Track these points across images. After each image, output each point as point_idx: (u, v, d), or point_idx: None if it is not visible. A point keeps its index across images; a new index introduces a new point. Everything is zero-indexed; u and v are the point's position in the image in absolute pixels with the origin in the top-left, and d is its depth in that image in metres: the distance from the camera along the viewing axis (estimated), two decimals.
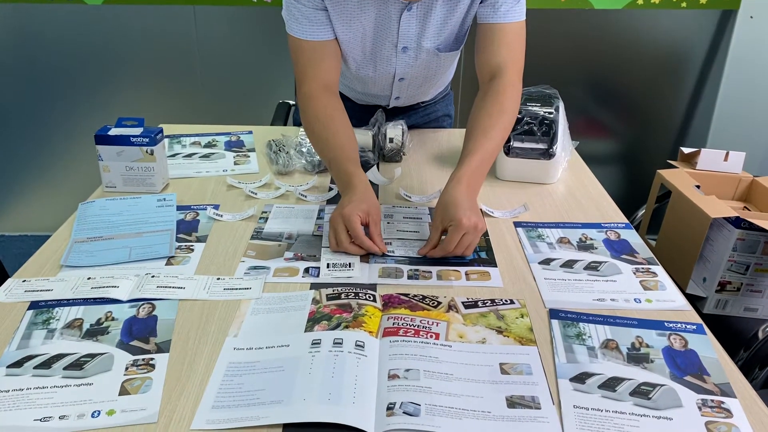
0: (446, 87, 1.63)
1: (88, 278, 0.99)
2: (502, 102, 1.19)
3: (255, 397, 0.75)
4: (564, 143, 1.33)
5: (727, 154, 1.66)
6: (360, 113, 1.52)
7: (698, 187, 1.55)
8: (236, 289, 0.97)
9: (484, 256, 1.07)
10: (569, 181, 1.38)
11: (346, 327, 0.86)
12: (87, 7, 2.43)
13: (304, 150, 1.39)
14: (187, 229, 1.14)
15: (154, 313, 0.91)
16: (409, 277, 1.01)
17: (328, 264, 1.03)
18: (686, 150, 1.75)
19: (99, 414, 0.73)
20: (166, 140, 1.44)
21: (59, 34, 2.49)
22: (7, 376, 0.78)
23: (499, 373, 0.80)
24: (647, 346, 0.86)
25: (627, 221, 1.19)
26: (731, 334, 1.43)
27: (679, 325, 0.90)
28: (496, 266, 1.04)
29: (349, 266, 1.02)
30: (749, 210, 1.63)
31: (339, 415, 0.72)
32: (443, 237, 1.06)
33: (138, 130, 1.24)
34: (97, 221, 1.15)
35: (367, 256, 1.06)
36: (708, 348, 0.85)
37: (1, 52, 2.53)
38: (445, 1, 1.21)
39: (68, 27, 2.48)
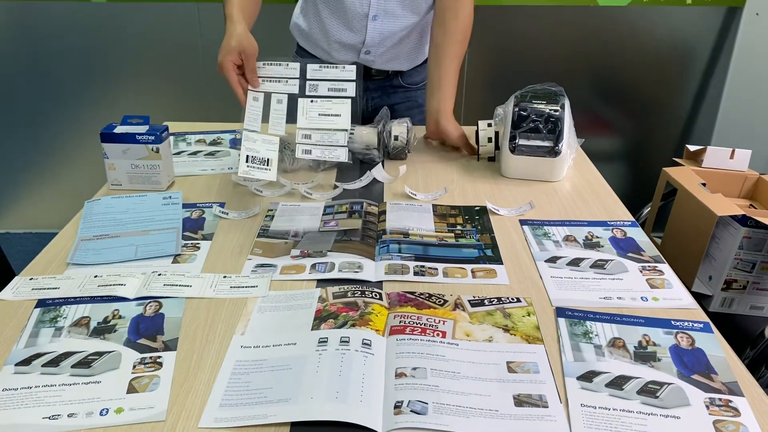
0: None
1: (95, 276, 0.99)
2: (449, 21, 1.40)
3: (263, 395, 0.76)
4: (570, 141, 1.33)
5: (733, 151, 1.66)
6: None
7: (704, 184, 1.55)
8: (243, 287, 0.97)
9: (489, 253, 1.07)
10: (575, 178, 1.37)
11: (353, 325, 0.86)
12: (91, 5, 2.44)
13: None
14: (193, 227, 1.15)
15: (161, 311, 0.91)
16: (415, 273, 1.01)
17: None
18: (692, 147, 1.74)
19: (107, 412, 0.73)
20: (171, 138, 1.44)
21: (64, 31, 2.49)
22: (16, 374, 0.79)
23: (506, 372, 0.80)
24: (654, 344, 0.85)
25: (633, 219, 1.19)
26: (737, 332, 1.42)
27: (686, 323, 0.90)
28: (502, 264, 1.04)
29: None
30: (755, 208, 1.62)
31: (347, 414, 0.72)
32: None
33: (143, 128, 1.24)
34: (103, 219, 1.15)
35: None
36: (715, 346, 0.85)
37: (8, 50, 2.53)
38: None
39: (73, 25, 2.48)
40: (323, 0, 1.45)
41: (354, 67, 1.18)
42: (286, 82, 1.16)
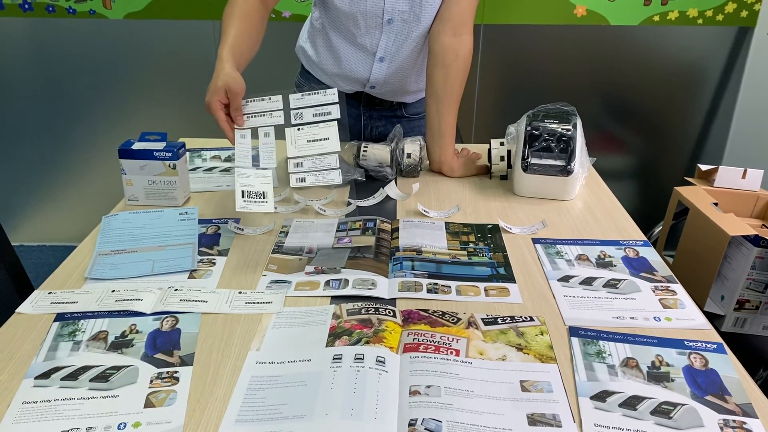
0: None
1: (112, 291, 1.00)
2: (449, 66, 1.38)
3: (278, 411, 0.76)
4: (582, 160, 1.34)
5: (745, 171, 1.66)
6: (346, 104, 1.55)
7: (716, 204, 1.55)
8: (258, 303, 0.98)
9: (502, 272, 1.08)
10: (587, 197, 1.38)
11: (367, 342, 0.87)
12: (108, 22, 2.48)
13: None
14: (209, 243, 1.16)
15: (177, 326, 0.92)
16: (429, 291, 1.01)
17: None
18: (704, 167, 1.75)
19: (125, 426, 0.74)
20: (187, 154, 1.46)
21: (81, 47, 2.53)
22: (35, 387, 0.80)
23: (520, 391, 0.80)
24: (667, 364, 0.86)
25: (645, 238, 1.19)
26: (749, 352, 1.42)
27: (699, 344, 0.90)
28: (515, 282, 1.05)
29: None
30: None
31: (361, 431, 0.72)
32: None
33: (161, 145, 1.26)
34: (120, 234, 1.17)
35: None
36: (728, 367, 0.85)
37: (25, 65, 2.58)
38: None
39: (90, 41, 2.52)
40: (337, 36, 1.46)
41: (335, 90, 1.19)
42: (271, 114, 1.18)
